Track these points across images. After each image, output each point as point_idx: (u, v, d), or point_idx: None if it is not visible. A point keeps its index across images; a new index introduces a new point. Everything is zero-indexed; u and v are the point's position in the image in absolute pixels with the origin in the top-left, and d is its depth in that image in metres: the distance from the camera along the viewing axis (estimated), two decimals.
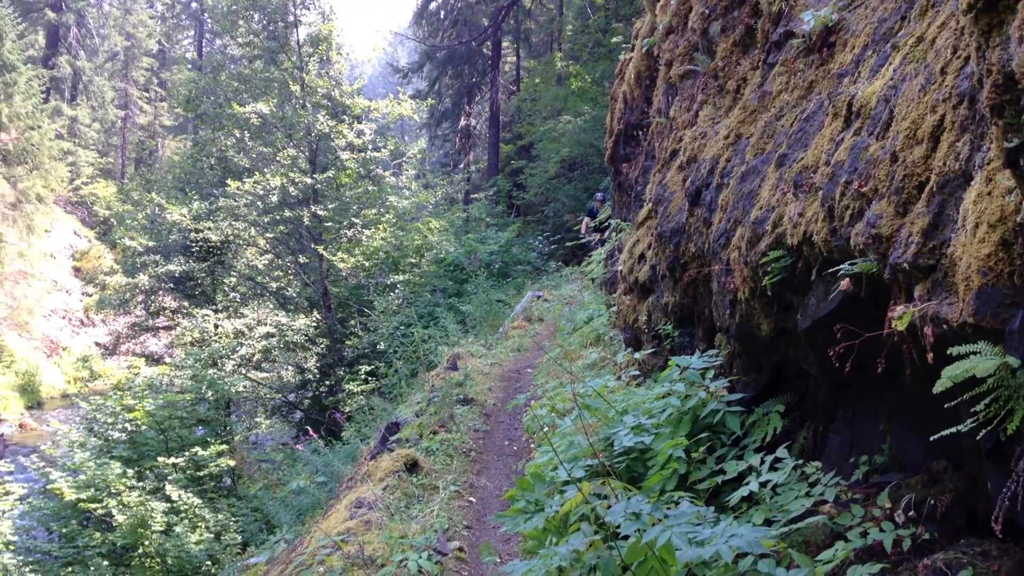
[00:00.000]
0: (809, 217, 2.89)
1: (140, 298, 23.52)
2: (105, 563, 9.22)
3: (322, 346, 19.48)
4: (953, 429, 2.03)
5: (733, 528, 2.49)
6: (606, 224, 13.37)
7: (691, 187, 4.45)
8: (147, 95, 50.87)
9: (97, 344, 35.67)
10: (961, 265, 1.93)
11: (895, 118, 2.44)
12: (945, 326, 2.00)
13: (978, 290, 1.85)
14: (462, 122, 36.33)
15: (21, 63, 34.58)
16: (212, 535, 10.14)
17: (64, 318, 37.08)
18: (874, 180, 2.46)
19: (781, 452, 3.26)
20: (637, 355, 5.29)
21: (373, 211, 20.21)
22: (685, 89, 5.41)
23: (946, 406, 2.00)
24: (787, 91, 3.74)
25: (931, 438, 2.18)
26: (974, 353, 1.84)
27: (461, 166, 36.61)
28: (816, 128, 3.17)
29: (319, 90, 19.72)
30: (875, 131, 2.58)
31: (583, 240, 14.45)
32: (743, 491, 3.19)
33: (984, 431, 1.92)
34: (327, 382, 18.96)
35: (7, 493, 10.35)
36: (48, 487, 10.72)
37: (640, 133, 7.93)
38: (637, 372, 5.59)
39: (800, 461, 3.29)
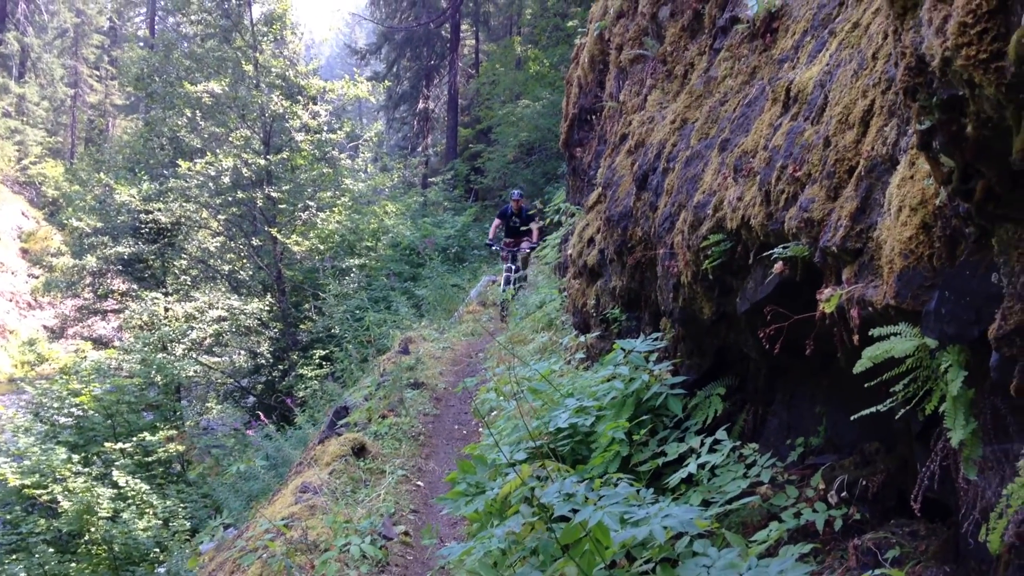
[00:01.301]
0: (747, 201, 2.91)
1: (88, 280, 23.07)
2: (50, 550, 9.06)
3: (275, 330, 19.28)
4: (873, 409, 2.06)
5: (668, 509, 2.51)
6: (524, 227, 12.60)
7: (639, 171, 4.46)
8: (97, 73, 49.75)
9: (44, 327, 34.93)
10: (885, 248, 1.96)
11: (829, 103, 2.46)
12: (870, 308, 2.03)
13: (900, 272, 1.88)
14: (420, 105, 36.09)
15: None
16: (160, 522, 10.03)
17: (11, 301, 36.24)
18: (808, 165, 2.48)
19: (720, 434, 3.29)
20: (584, 339, 5.30)
21: (328, 194, 20.01)
22: (635, 73, 5.41)
23: (865, 386, 2.03)
24: (732, 76, 3.75)
25: (851, 417, 2.22)
26: (894, 334, 1.87)
27: (419, 149, 36.39)
28: (757, 113, 3.19)
29: (273, 70, 19.42)
30: (811, 116, 2.61)
31: (490, 245, 13.21)
32: (682, 473, 3.22)
33: (903, 411, 1.95)
34: (280, 367, 18.78)
35: None
36: None
37: (593, 117, 7.92)
38: (584, 356, 5.61)
39: (739, 443, 3.33)
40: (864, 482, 2.76)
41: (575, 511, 2.47)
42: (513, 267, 12.43)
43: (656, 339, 4.07)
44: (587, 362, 5.57)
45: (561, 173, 19.30)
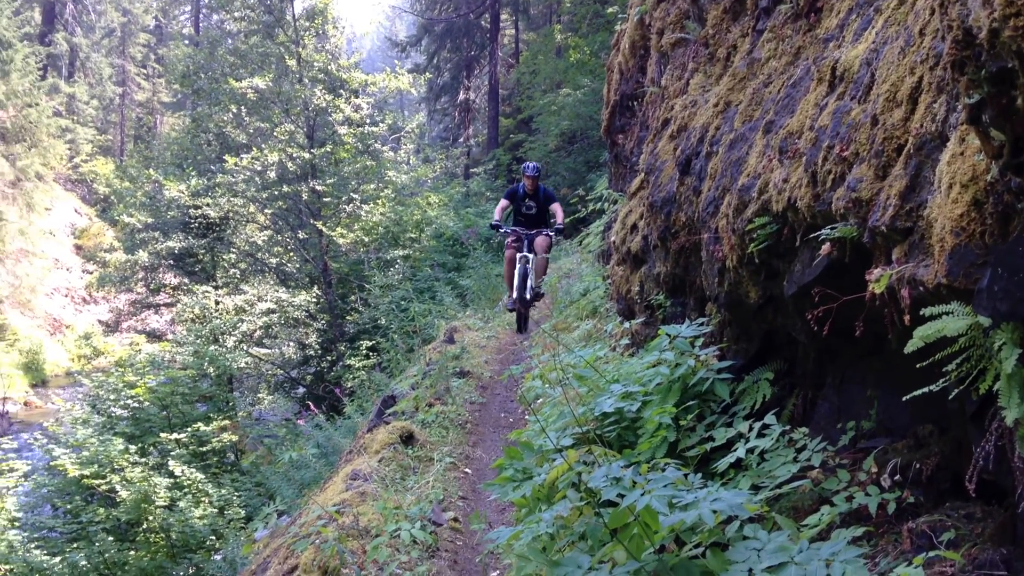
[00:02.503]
0: (793, 183, 2.88)
1: (140, 275, 23.55)
2: (110, 538, 9.30)
3: (323, 322, 19.51)
4: (925, 389, 2.03)
5: (717, 493, 2.50)
6: (539, 212, 10.39)
7: (681, 156, 4.43)
8: (144, 71, 50.66)
9: (99, 321, 35.76)
10: (936, 227, 1.93)
11: (876, 81, 2.42)
12: (921, 288, 2.00)
13: (951, 251, 1.85)
14: (461, 96, 36.16)
15: (17, 40, 34.38)
16: (216, 510, 10.22)
17: (66, 296, 37.16)
18: (855, 144, 2.45)
19: (769, 419, 3.26)
20: (629, 325, 5.29)
21: (372, 186, 20.17)
22: (676, 58, 5.38)
23: (917, 366, 2.01)
24: (775, 57, 3.71)
25: (904, 398, 2.19)
26: (946, 313, 1.84)
27: (460, 140, 36.48)
28: (802, 94, 3.15)
29: (316, 64, 19.60)
30: (857, 95, 2.57)
31: (496, 227, 10.58)
32: (731, 457, 3.20)
33: (956, 391, 1.93)
34: (328, 358, 19.01)
35: (12, 470, 10.43)
36: (52, 464, 10.80)
37: (635, 103, 7.88)
38: (629, 342, 5.60)
39: (788, 427, 3.30)
40: (918, 465, 2.73)
41: (622, 495, 2.48)
42: (527, 257, 10.04)
43: (702, 324, 4.05)
44: (632, 348, 5.56)
45: (603, 161, 19.21)
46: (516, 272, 10.05)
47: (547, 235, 10.35)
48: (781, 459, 3.11)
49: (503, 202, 10.69)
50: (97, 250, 34.93)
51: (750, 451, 3.18)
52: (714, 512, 2.36)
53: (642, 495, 2.33)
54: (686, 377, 3.80)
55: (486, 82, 35.11)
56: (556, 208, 10.46)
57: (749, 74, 3.95)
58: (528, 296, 10.15)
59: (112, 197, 36.97)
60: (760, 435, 3.21)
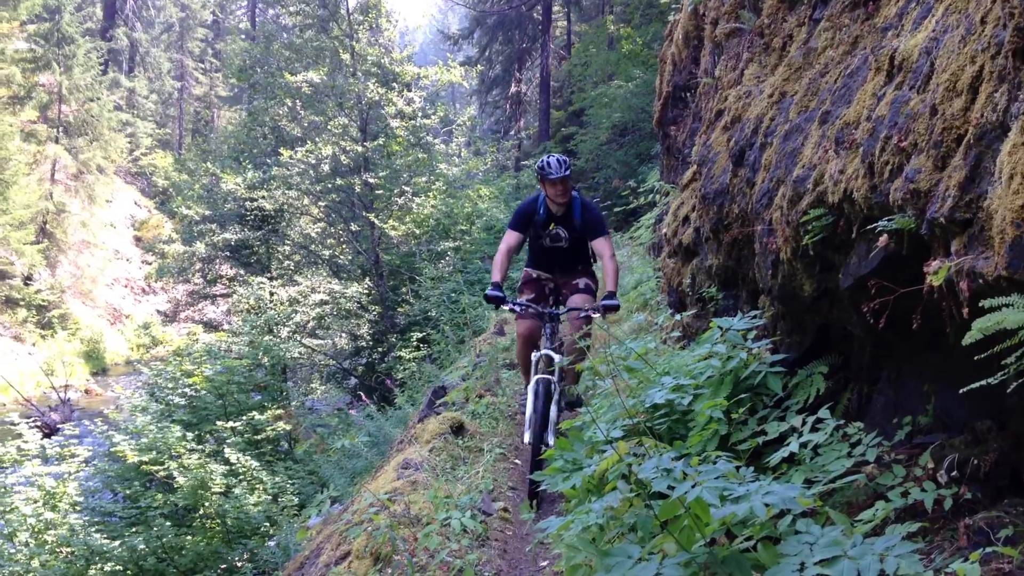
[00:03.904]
0: (850, 174, 2.84)
1: (198, 266, 24.07)
2: (167, 523, 9.51)
3: (374, 313, 19.73)
4: (983, 382, 2.00)
5: (769, 487, 2.49)
6: (556, 240, 6.13)
7: (735, 147, 4.39)
8: (202, 66, 51.63)
9: (158, 312, 36.63)
10: (996, 218, 1.89)
11: (936, 70, 2.38)
12: (980, 280, 1.97)
13: (1012, 242, 1.82)
14: (512, 88, 36.19)
15: (79, 35, 35.31)
16: (270, 497, 10.39)
17: (126, 286, 38.12)
18: (914, 134, 2.41)
19: (823, 413, 3.23)
20: (680, 317, 5.27)
21: (423, 179, 20.31)
22: (731, 48, 5.32)
23: (975, 358, 1.98)
24: (832, 47, 3.66)
25: (961, 390, 2.15)
26: (1006, 305, 1.81)
27: (511, 133, 36.51)
28: (859, 84, 3.10)
29: (369, 58, 19.80)
30: (916, 84, 2.53)
31: (496, 299, 5.87)
32: (783, 452, 3.17)
33: (1015, 384, 1.90)
34: (380, 349, 19.22)
35: (74, 456, 10.71)
36: (112, 450, 11.08)
37: (688, 95, 7.82)
38: (680, 335, 5.57)
39: (842, 422, 3.26)
40: (975, 461, 2.68)
41: (672, 487, 2.48)
42: (550, 356, 5.74)
43: (754, 317, 4.02)
44: (683, 341, 5.53)
45: (655, 153, 19.08)
46: (531, 389, 5.64)
47: (588, 312, 5.83)
48: (835, 454, 3.08)
49: (510, 237, 6.20)
50: (156, 242, 35.76)
51: (803, 445, 3.15)
52: (766, 506, 2.35)
53: (693, 487, 2.33)
54: (738, 370, 3.77)
55: (537, 74, 35.09)
56: (603, 246, 6.07)
57: (805, 64, 3.89)
58: (550, 441, 5.36)
59: (171, 190, 37.80)
60: (813, 429, 3.18)
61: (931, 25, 2.60)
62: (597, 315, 5.63)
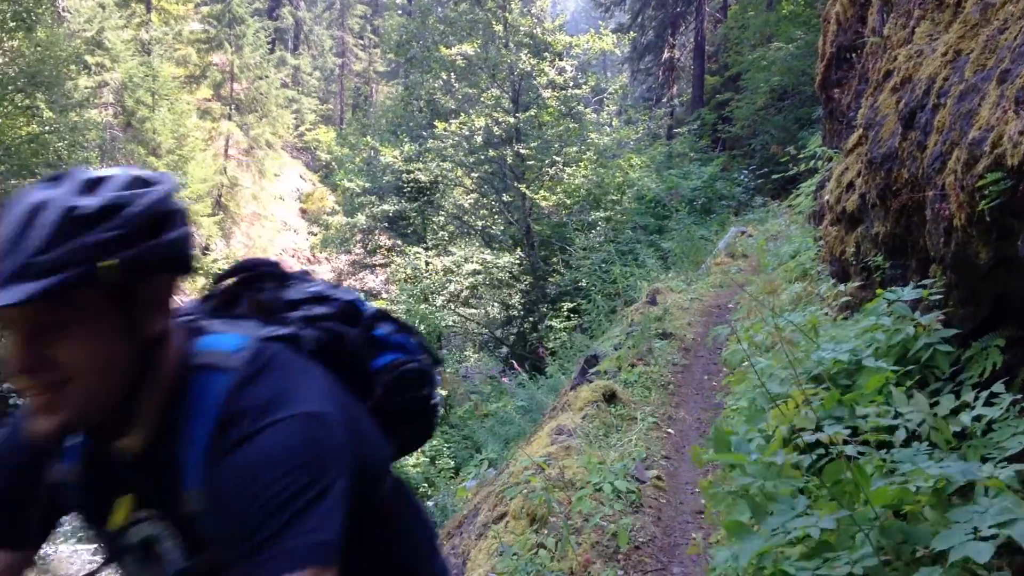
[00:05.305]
0: None
1: (358, 237, 25.07)
2: None
3: (526, 283, 20.00)
4: None
5: (944, 461, 2.42)
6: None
7: (905, 109, 4.19)
8: (361, 42, 53.37)
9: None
10: None
11: None
12: None
13: None
14: (665, 55, 35.44)
15: (248, 16, 37.22)
16: (427, 460, 10.80)
17: (293, 256, 40.20)
18: None
19: (998, 387, 3.07)
20: (844, 288, 5.09)
21: (574, 149, 20.32)
22: (901, 5, 5.05)
23: None
24: (1012, 2, 3.42)
25: None
26: None
27: (664, 100, 35.83)
28: None
29: (521, 28, 19.91)
30: None
31: None
32: (955, 427, 3.05)
33: None
34: (531, 318, 19.50)
35: None
36: None
37: (853, 55, 7.47)
38: (843, 306, 5.38)
39: (1020, 397, 3.09)
40: None
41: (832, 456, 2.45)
42: None
43: (924, 287, 3.85)
44: (846, 312, 5.34)
45: (815, 118, 18.28)
46: None
47: None
48: (1011, 430, 2.93)
49: None
50: (320, 213, 37.49)
51: (976, 420, 3.01)
52: (936, 480, 2.28)
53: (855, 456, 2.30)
54: (906, 343, 3.63)
55: (691, 39, 34.21)
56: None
57: (982, 20, 3.66)
58: None
59: (333, 163, 39.44)
60: (988, 404, 3.04)
61: None
62: None
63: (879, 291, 3.87)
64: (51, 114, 20.83)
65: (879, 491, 2.27)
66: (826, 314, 5.74)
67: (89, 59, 27.52)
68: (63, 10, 27.15)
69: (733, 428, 3.30)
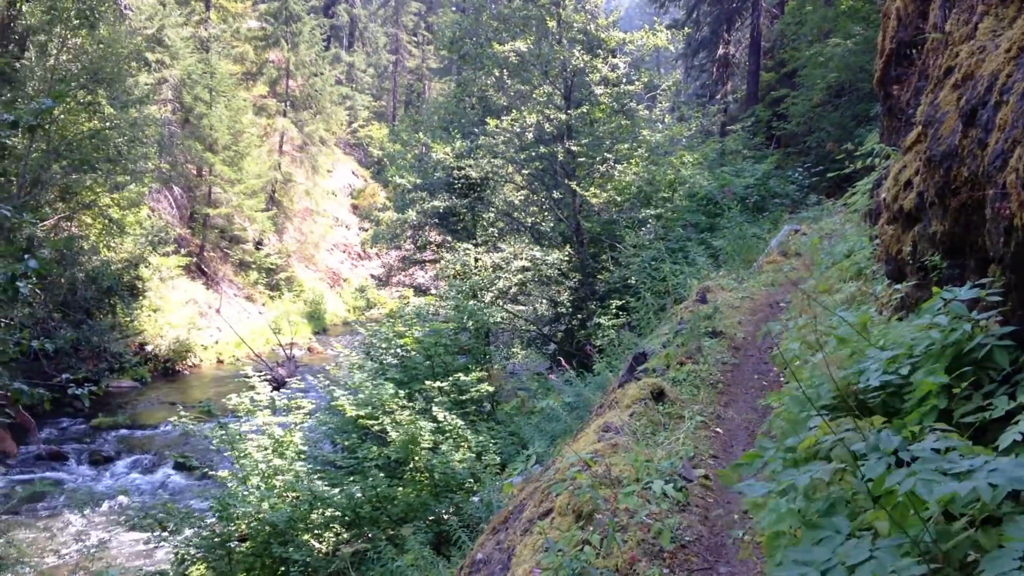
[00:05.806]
0: None
1: (409, 233, 25.25)
2: (381, 474, 10.14)
3: (574, 280, 19.94)
4: None
5: (996, 463, 2.35)
6: None
7: (966, 106, 4.09)
8: (415, 39, 53.75)
9: (372, 276, 38.85)
10: None
11: None
12: None
13: None
14: (720, 51, 35.07)
15: (305, 13, 37.71)
16: (474, 455, 10.83)
17: (344, 251, 40.68)
18: None
19: None
20: (900, 287, 4.99)
21: (626, 145, 20.19)
22: (964, 0, 4.92)
23: None
24: None
25: None
26: None
27: (717, 97, 35.44)
28: None
29: (575, 25, 19.83)
30: None
31: None
32: (1013, 432, 2.97)
33: None
34: (579, 316, 19.43)
35: (299, 407, 11.61)
36: (333, 404, 11.95)
37: (913, 51, 7.30)
38: (898, 305, 5.28)
39: None
40: None
41: (888, 465, 2.40)
42: None
43: (981, 287, 3.76)
44: (902, 312, 5.24)
45: (873, 115, 17.93)
46: None
47: None
48: None
49: None
50: (371, 209, 37.88)
51: None
52: (992, 486, 2.22)
53: (907, 477, 2.24)
54: (961, 343, 3.54)
55: (747, 35, 33.79)
56: None
57: None
58: None
59: (385, 160, 39.77)
60: None
61: None
62: None
63: (935, 290, 3.79)
64: (112, 110, 21.36)
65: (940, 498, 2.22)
66: (880, 314, 5.64)
67: (149, 56, 28.16)
68: (125, 7, 27.80)
69: (764, 447, 3.25)
